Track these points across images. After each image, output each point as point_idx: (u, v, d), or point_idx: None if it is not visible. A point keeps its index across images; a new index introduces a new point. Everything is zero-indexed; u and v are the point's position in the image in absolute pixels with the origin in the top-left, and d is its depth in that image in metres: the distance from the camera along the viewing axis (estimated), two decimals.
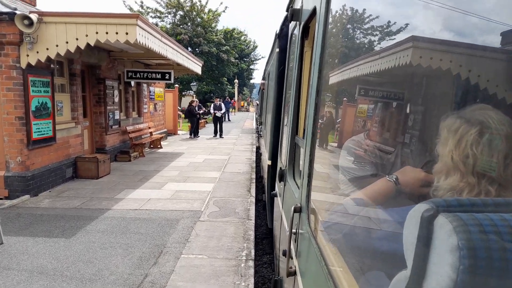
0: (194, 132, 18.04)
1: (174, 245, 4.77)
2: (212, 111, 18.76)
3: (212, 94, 45.28)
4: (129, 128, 11.68)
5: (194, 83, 26.02)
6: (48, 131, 7.33)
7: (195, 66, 13.27)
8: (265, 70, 9.87)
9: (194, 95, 27.00)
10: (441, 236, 0.67)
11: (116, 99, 10.81)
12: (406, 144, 1.23)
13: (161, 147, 13.94)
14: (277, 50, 5.00)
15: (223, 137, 17.92)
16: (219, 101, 19.12)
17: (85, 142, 9.63)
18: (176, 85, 19.26)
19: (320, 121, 1.79)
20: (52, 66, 7.64)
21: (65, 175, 7.98)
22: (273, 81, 5.45)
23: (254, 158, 12.11)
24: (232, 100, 51.55)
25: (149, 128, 13.83)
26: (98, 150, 10.15)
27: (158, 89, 15.74)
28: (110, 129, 10.45)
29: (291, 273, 1.87)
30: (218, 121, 18.40)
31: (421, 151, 1.18)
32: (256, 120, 32.04)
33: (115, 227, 5.35)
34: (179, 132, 19.86)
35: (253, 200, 7.06)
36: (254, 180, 8.78)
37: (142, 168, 9.92)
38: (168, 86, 26.17)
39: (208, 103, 47.59)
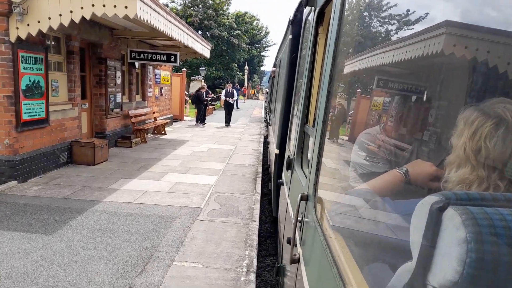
0: (201, 119, 17.45)
1: (167, 248, 4.21)
2: (223, 97, 17.68)
3: (221, 80, 44.59)
4: (132, 112, 11.11)
5: (203, 68, 25.29)
6: (40, 112, 6.78)
7: (203, 49, 12.58)
8: (276, 57, 9.75)
9: (203, 80, 26.31)
10: (449, 229, 0.67)
11: (119, 81, 10.22)
12: (425, 142, 1.17)
13: (165, 134, 13.39)
14: (290, 37, 4.82)
15: (230, 126, 17.19)
16: (231, 87, 18.10)
17: (84, 126, 9.09)
18: (184, 69, 18.60)
19: (331, 112, 1.74)
20: (46, 41, 7.04)
21: (59, 160, 7.46)
22: (284, 69, 5.34)
23: (261, 149, 11.49)
24: (243, 88, 50.82)
25: (154, 113, 13.26)
26: (98, 135, 9.62)
27: (164, 72, 15.12)
28: (111, 112, 9.89)
29: (295, 261, 1.89)
30: (228, 109, 17.53)
31: (439, 149, 1.11)
32: (265, 108, 31.61)
33: (103, 223, 4.81)
34: (185, 118, 19.29)
35: (259, 197, 6.47)
36: (260, 174, 8.18)
37: (142, 155, 9.37)
38: (176, 69, 25.51)
39: (218, 89, 47.01)
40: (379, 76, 1.41)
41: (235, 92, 18.04)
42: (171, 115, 16.45)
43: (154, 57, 10.16)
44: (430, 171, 1.10)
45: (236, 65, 36.06)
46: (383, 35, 1.42)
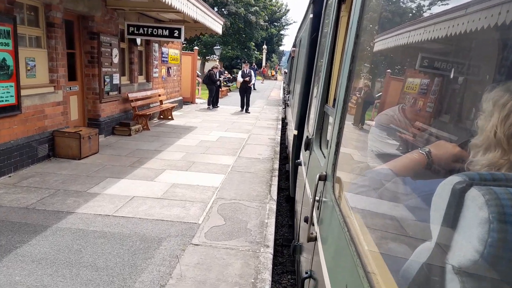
0: (213, 102, 16.08)
1: None
2: (239, 79, 15.48)
3: (238, 60, 42.84)
4: (132, 96, 9.83)
5: (218, 47, 23.71)
6: (8, 98, 5.55)
7: (215, 23, 11.08)
8: (296, 37, 9.37)
9: (218, 60, 24.79)
10: (471, 208, 0.67)
11: (116, 60, 8.91)
12: (446, 124, 1.11)
13: (172, 119, 12.11)
14: (311, 16, 4.67)
15: (249, 112, 15.10)
16: (249, 67, 15.91)
17: (73, 111, 7.88)
18: (196, 48, 17.13)
19: (356, 95, 1.73)
20: (15, 10, 5.74)
21: (37, 154, 6.29)
22: (304, 48, 5.28)
23: (278, 138, 10.07)
24: (262, 68, 48.93)
25: (159, 95, 11.97)
26: (91, 121, 8.42)
27: (173, 50, 13.72)
28: (106, 95, 8.64)
29: (312, 239, 1.89)
30: (246, 92, 15.32)
31: (462, 131, 1.06)
32: (284, 89, 30.05)
33: (63, 250, 3.58)
34: (197, 100, 17.96)
35: (274, 206, 5.11)
36: (277, 172, 6.81)
37: (140, 146, 8.13)
38: (188, 47, 23.97)
39: (235, 70, 45.33)
40: (424, 54, 1.18)
41: (252, 73, 15.78)
42: (180, 98, 15.14)
43: (155, 31, 8.75)
44: (453, 152, 1.04)
45: (253, 44, 34.18)
46: (414, 11, 1.29)
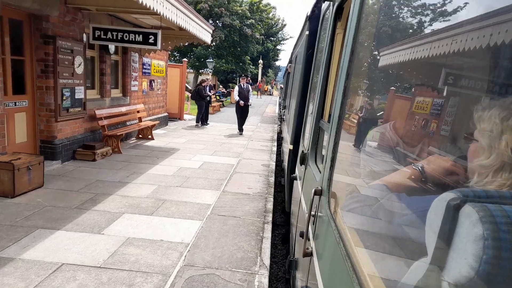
0: (202, 119, 14.61)
1: None
2: (236, 97, 13.06)
3: (234, 75, 41.69)
4: (100, 113, 8.30)
5: (211, 60, 22.36)
6: None
7: (202, 31, 9.69)
8: (292, 53, 9.37)
9: (210, 74, 23.46)
10: (466, 225, 0.67)
11: (79, 70, 7.41)
12: (439, 140, 1.07)
13: (152, 138, 10.57)
14: (307, 32, 4.62)
15: (242, 134, 12.97)
16: (246, 81, 13.24)
17: (18, 133, 6.33)
18: (185, 59, 15.70)
19: (358, 114, 1.71)
20: None
21: None
22: (300, 64, 5.29)
23: (273, 165, 8.55)
24: (258, 83, 47.82)
25: (138, 112, 10.47)
26: (44, 144, 6.86)
27: (156, 61, 12.29)
28: (65, 113, 7.11)
29: (307, 254, 1.88)
30: (241, 113, 13.01)
31: (455, 147, 1.03)
32: (279, 104, 28.93)
33: None
34: (186, 117, 16.47)
35: (266, 280, 3.54)
36: (270, 217, 5.25)
37: (103, 175, 6.56)
38: (179, 60, 22.61)
39: (231, 84, 44.12)
40: (448, 70, 1.04)
41: (250, 89, 13.50)
42: (165, 114, 13.63)
43: (126, 37, 7.29)
44: (446, 166, 1.01)
45: (249, 58, 32.97)
46: (413, 26, 1.27)
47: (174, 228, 4.51)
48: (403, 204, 1.21)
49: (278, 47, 57.91)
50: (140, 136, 10.56)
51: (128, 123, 9.99)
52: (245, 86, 13.11)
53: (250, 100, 13.30)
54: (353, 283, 1.08)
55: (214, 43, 30.19)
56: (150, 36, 7.29)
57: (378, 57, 1.53)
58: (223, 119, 17.57)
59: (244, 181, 6.94)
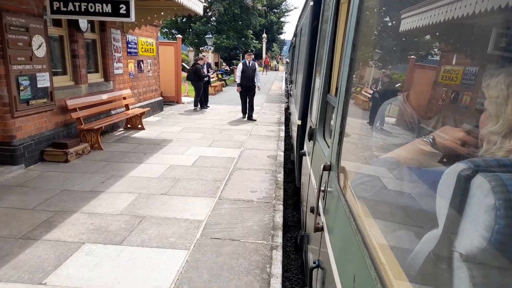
0: (202, 101, 13.23)
1: None
2: (237, 78, 11.01)
3: (238, 51, 39.76)
4: (73, 103, 6.99)
5: (210, 35, 20.65)
6: None
7: (192, 0, 8.17)
8: (297, 25, 8.99)
9: (210, 51, 21.84)
10: (477, 196, 0.67)
11: (41, 52, 6.06)
12: (452, 109, 1.05)
13: (142, 128, 9.29)
14: (311, 3, 4.55)
15: (254, 120, 11.08)
16: (251, 58, 10.95)
17: None
18: (179, 35, 14.12)
19: (371, 90, 1.66)
20: None
21: None
22: (305, 37, 5.18)
23: (281, 155, 7.23)
24: (265, 59, 45.78)
25: (124, 98, 9.14)
26: (1, 147, 5.62)
27: (144, 39, 10.82)
28: (25, 105, 5.82)
29: (318, 229, 1.90)
30: (248, 93, 11.01)
31: (467, 116, 1.02)
32: (286, 80, 27.49)
33: None
34: (184, 99, 15.09)
35: None
36: (280, 240, 3.97)
37: (71, 183, 5.31)
38: (174, 37, 20.91)
39: (234, 61, 42.18)
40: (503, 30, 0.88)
41: (257, 67, 11.12)
42: (159, 99, 12.26)
43: (91, 7, 5.83)
44: (458, 137, 1.02)
45: (251, 32, 31.01)
46: None
47: (148, 268, 3.27)
48: (413, 177, 1.19)
49: (282, 19, 55.29)
50: (129, 126, 9.28)
51: (113, 112, 8.70)
52: (250, 64, 10.93)
53: (257, 83, 11.03)
54: (364, 256, 1.07)
55: (213, 18, 28.37)
56: (121, 6, 5.82)
57: (390, 24, 1.49)
58: (225, 100, 16.14)
59: (247, 181, 5.65)
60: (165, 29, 28.91)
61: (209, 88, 14.82)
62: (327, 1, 3.00)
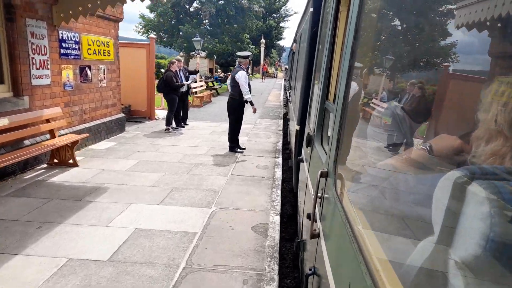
0: (179, 119, 10.39)
1: None
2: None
3: (234, 57, 36.90)
4: None
5: (198, 38, 17.79)
6: None
7: None
8: (296, 32, 8.87)
9: (199, 56, 19.02)
10: (473, 203, 0.68)
11: None
12: (447, 117, 1.09)
13: (74, 164, 6.37)
14: (311, 9, 4.53)
15: (241, 151, 7.90)
16: (244, 65, 7.85)
17: None
18: (152, 35, 11.18)
19: (394, 104, 1.47)
20: None
21: None
22: (305, 43, 5.18)
23: (277, 230, 4.30)
24: (263, 65, 43.13)
25: (48, 121, 6.25)
26: None
27: (95, 37, 7.96)
28: None
29: (315, 236, 1.89)
30: (236, 114, 7.81)
31: (462, 124, 1.03)
32: (285, 87, 25.46)
33: None
34: (159, 114, 12.19)
35: None
36: None
37: None
38: (158, 40, 18.19)
39: (231, 68, 39.32)
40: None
41: (240, 74, 7.52)
42: (118, 116, 9.34)
43: None
44: (455, 145, 1.02)
45: (247, 36, 28.24)
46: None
47: None
48: (410, 184, 1.21)
49: (281, 24, 52.75)
50: (56, 161, 6.37)
51: (27, 143, 5.82)
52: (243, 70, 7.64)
53: (247, 95, 7.54)
54: (360, 263, 1.07)
55: (205, 20, 25.69)
56: None
57: (400, 28, 1.45)
58: (212, 115, 13.28)
59: None
60: (153, 33, 26.16)
61: (190, 100, 11.96)
62: (326, 8, 2.99)
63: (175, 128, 10.16)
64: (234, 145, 7.95)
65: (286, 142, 9.62)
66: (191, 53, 26.55)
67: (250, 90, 7.66)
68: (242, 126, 8.13)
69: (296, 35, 9.17)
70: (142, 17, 25.91)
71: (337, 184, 1.59)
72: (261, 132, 10.38)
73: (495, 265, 0.64)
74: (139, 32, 26.02)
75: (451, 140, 1.03)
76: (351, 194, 1.51)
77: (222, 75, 27.70)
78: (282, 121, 12.60)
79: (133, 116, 11.50)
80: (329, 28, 2.45)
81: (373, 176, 1.48)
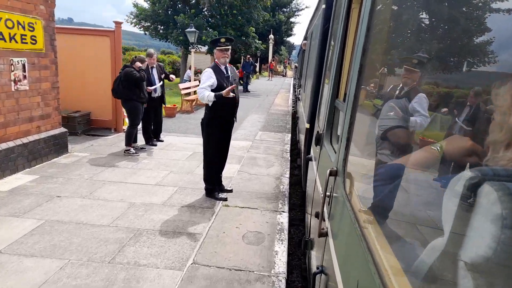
0: (149, 133, 7.55)
1: None
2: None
3: (242, 53, 33.97)
4: None
5: (192, 29, 14.87)
6: None
7: None
8: (307, 29, 8.82)
9: (198, 51, 16.09)
10: (484, 205, 0.66)
11: None
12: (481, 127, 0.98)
13: None
14: (323, 6, 4.39)
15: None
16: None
17: None
18: (119, 20, 8.33)
19: (418, 113, 1.40)
20: None
21: None
22: (316, 40, 5.11)
23: None
24: (270, 63, 40.09)
25: None
26: None
27: (5, 14, 5.11)
28: None
29: (323, 234, 1.88)
30: (219, 141, 4.98)
31: (475, 126, 0.98)
32: (294, 86, 23.05)
33: None
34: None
35: None
36: None
37: None
38: (154, 32, 15.16)
39: (239, 65, 36.35)
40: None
41: (202, 74, 4.71)
42: (54, 132, 6.43)
43: None
44: (466, 146, 0.99)
45: (253, 29, 25.25)
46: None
47: None
48: (420, 184, 1.19)
49: (292, 19, 49.54)
50: None
51: None
52: (225, 68, 4.75)
53: (203, 100, 4.61)
54: (368, 262, 1.06)
55: (205, 11, 22.78)
56: None
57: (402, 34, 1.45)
58: (197, 126, 10.36)
59: None
60: (147, 23, 23.33)
61: (164, 109, 9.08)
62: (338, 5, 2.95)
63: (140, 149, 7.28)
64: (209, 186, 5.04)
65: (293, 167, 6.74)
66: (189, 48, 23.66)
67: (236, 90, 4.71)
68: (236, 143, 5.40)
69: (306, 32, 9.06)
70: (136, 5, 23.10)
71: (346, 183, 1.59)
72: (261, 154, 7.43)
73: (505, 267, 0.62)
74: (131, 23, 23.23)
75: (463, 141, 1.01)
76: (360, 193, 1.51)
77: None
78: (290, 135, 9.65)
79: (93, 127, 8.68)
80: (341, 25, 2.45)
81: (382, 176, 1.44)
